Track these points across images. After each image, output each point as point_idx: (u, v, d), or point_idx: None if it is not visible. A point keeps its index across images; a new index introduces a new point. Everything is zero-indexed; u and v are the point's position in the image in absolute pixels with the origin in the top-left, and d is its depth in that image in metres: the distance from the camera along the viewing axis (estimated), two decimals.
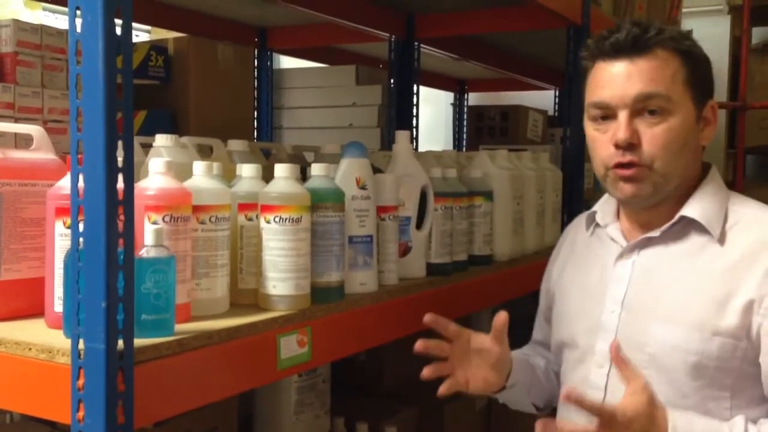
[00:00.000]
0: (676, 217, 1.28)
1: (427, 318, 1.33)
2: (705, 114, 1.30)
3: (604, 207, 1.41)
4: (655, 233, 1.30)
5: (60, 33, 1.60)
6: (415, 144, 2.79)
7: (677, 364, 1.22)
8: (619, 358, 1.19)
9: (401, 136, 1.67)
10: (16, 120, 1.50)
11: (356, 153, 1.46)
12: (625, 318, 1.29)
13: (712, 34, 3.99)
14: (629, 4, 2.89)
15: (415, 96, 2.77)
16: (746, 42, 3.92)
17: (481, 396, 1.41)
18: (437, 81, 3.91)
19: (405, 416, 1.97)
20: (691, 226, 1.28)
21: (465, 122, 3.98)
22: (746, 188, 3.93)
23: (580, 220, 1.50)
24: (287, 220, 1.25)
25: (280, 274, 1.25)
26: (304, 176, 1.43)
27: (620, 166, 1.25)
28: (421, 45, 2.77)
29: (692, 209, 1.27)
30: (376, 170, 1.54)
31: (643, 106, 1.23)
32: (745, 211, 1.28)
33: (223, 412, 1.57)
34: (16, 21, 1.54)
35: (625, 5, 2.87)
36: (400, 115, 2.74)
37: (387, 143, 2.72)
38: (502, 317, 1.33)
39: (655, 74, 1.23)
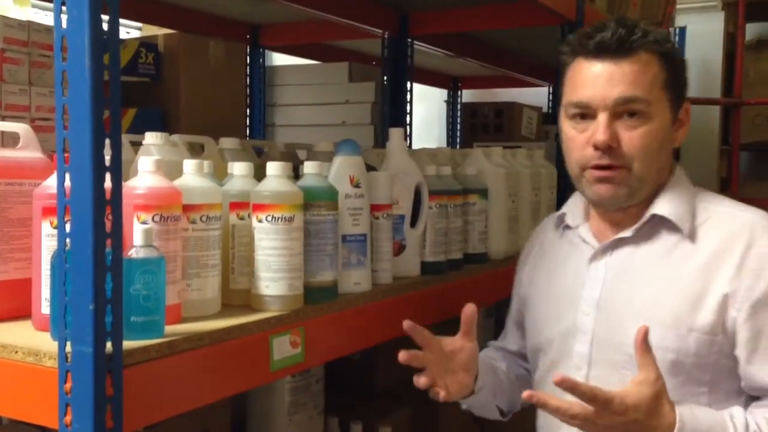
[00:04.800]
0: (647, 215, 1.29)
1: (406, 325, 1.32)
2: (680, 116, 1.31)
3: (573, 208, 1.42)
4: (627, 233, 1.31)
5: (48, 30, 1.58)
6: (408, 141, 2.78)
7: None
8: (643, 344, 1.14)
9: (395, 133, 1.65)
10: (3, 118, 1.48)
11: (349, 151, 1.44)
12: (601, 319, 1.30)
13: (706, 30, 3.99)
14: (623, 1, 2.88)
15: (408, 93, 2.76)
16: (742, 38, 3.91)
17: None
18: (431, 78, 3.89)
19: (399, 416, 1.96)
20: (661, 224, 1.29)
21: (459, 119, 3.96)
22: (741, 185, 3.93)
23: (548, 222, 1.51)
24: (280, 219, 1.23)
25: (273, 274, 1.23)
26: (296, 174, 1.41)
27: (598, 168, 1.26)
28: (415, 42, 2.75)
29: (662, 207, 1.29)
30: (370, 168, 1.53)
31: (623, 109, 1.24)
32: (713, 209, 1.30)
33: (215, 413, 1.55)
34: (2, 17, 1.51)
35: (620, 2, 2.86)
36: (393, 112, 2.72)
37: (380, 141, 2.70)
38: (469, 309, 1.34)
39: (637, 78, 1.24)
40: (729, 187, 3.86)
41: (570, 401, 1.11)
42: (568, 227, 1.42)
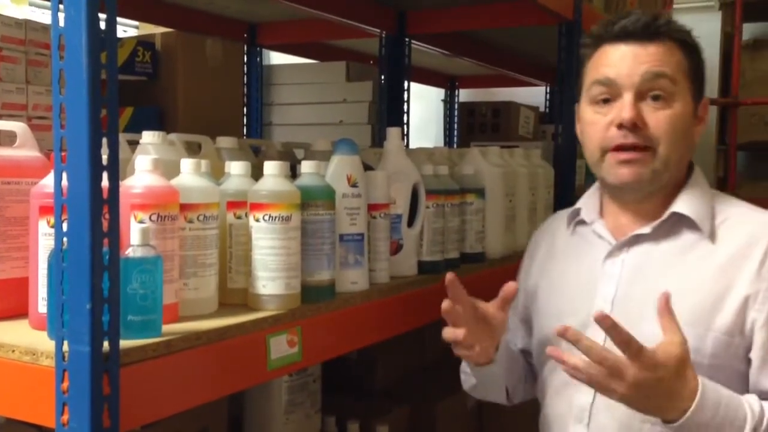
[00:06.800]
0: (667, 213, 1.28)
1: (449, 276, 1.26)
2: (699, 111, 1.32)
3: (589, 203, 1.39)
4: (646, 230, 1.29)
5: (45, 28, 1.58)
6: (405, 141, 2.78)
7: None
8: (666, 308, 1.11)
9: (392, 133, 1.65)
10: (0, 117, 1.48)
11: (347, 150, 1.44)
12: (616, 317, 1.24)
13: (702, 30, 3.96)
14: (621, 0, 2.88)
15: (405, 92, 2.76)
16: (739, 38, 3.92)
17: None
18: (428, 77, 3.89)
19: (396, 415, 1.96)
20: (681, 222, 1.28)
21: (456, 119, 3.96)
22: (737, 184, 3.94)
23: (559, 217, 1.48)
24: (277, 219, 1.23)
25: (270, 274, 1.23)
26: (294, 174, 1.41)
27: (621, 148, 1.24)
28: (412, 41, 2.75)
29: (683, 205, 1.28)
30: (367, 167, 1.53)
31: (649, 87, 1.24)
32: (732, 210, 1.30)
33: (212, 412, 1.55)
34: None
35: (617, 1, 2.86)
36: (390, 111, 2.72)
37: (377, 140, 2.70)
38: (511, 287, 1.29)
39: (663, 57, 1.25)
40: (726, 186, 3.87)
41: (588, 360, 1.09)
42: (582, 223, 1.39)
